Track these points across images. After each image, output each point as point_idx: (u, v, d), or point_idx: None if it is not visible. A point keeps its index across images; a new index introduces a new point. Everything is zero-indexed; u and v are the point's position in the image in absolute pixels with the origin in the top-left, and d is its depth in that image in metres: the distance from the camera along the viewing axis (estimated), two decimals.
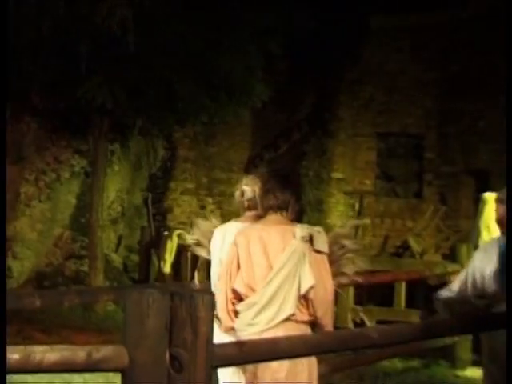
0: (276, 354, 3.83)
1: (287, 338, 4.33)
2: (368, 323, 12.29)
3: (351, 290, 13.01)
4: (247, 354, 3.50)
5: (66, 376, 8.37)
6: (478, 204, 11.45)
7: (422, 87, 17.59)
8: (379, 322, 12.41)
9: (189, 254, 14.43)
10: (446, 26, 17.28)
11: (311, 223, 18.01)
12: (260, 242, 5.43)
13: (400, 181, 17.93)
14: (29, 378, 7.61)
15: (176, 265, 14.31)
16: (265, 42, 13.14)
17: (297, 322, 5.33)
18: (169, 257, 14.28)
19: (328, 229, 15.83)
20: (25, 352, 2.81)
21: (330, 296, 5.45)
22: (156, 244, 14.81)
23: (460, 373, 10.48)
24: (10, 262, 15.42)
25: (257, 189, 5.91)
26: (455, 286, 6.10)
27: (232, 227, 5.93)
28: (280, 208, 5.53)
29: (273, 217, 5.54)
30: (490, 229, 11.64)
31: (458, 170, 17.05)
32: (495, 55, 16.14)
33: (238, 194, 6.15)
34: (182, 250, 14.38)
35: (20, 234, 15.61)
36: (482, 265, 6.00)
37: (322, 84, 18.22)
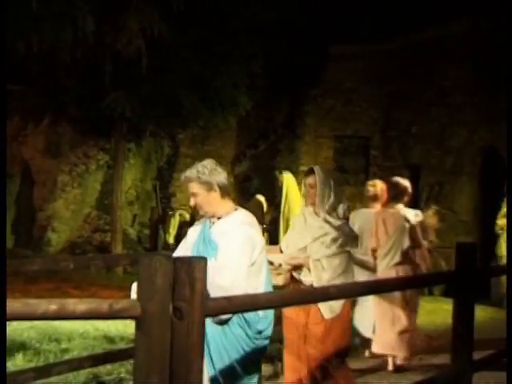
0: (256, 305, 3.84)
1: (266, 294, 4.34)
2: None
3: None
4: (234, 306, 3.51)
5: (94, 322, 8.39)
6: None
7: (370, 101, 17.60)
8: None
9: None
10: (389, 54, 17.31)
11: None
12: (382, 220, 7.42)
13: (351, 173, 17.96)
14: (67, 324, 7.68)
15: (178, 237, 14.33)
16: (249, 65, 13.14)
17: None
18: (172, 231, 14.30)
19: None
20: (60, 303, 2.81)
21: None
22: (162, 221, 14.81)
23: None
24: (49, 234, 15.40)
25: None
26: None
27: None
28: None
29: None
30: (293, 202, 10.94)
31: (397, 164, 17.07)
32: (426, 77, 16.19)
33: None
34: (182, 225, 14.40)
35: (57, 213, 15.58)
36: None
37: (292, 97, 18.24)
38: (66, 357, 6.88)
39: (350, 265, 5.51)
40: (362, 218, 7.86)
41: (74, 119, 14.33)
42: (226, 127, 15.75)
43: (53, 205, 15.57)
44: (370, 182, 8.35)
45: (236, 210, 4.53)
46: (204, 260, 3.16)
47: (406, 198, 7.65)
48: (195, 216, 15.08)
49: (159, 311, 2.98)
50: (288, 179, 10.30)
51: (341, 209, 5.55)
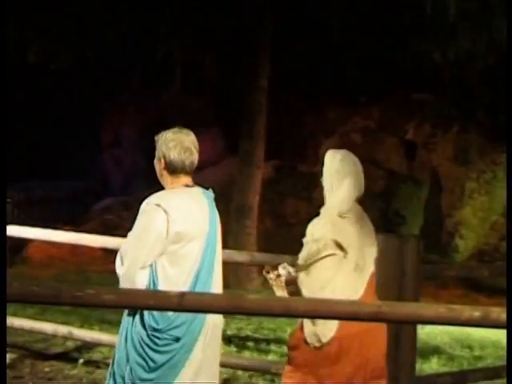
0: None
1: None
2: None
3: None
4: None
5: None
6: None
7: None
8: None
9: None
10: None
11: None
12: None
13: None
14: (479, 331, 7.52)
15: None
16: None
17: None
18: None
19: None
20: (484, 311, 2.79)
21: None
22: None
23: None
24: (457, 240, 15.45)
25: None
26: None
27: None
28: None
29: None
30: None
31: None
32: None
33: None
34: None
35: (465, 220, 15.58)
36: None
37: None
38: (480, 365, 6.84)
39: (332, 277, 3.95)
40: None
41: (482, 126, 14.20)
42: None
43: (460, 212, 15.61)
44: None
45: (186, 187, 3.81)
46: None
47: None
48: None
49: None
50: None
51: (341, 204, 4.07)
